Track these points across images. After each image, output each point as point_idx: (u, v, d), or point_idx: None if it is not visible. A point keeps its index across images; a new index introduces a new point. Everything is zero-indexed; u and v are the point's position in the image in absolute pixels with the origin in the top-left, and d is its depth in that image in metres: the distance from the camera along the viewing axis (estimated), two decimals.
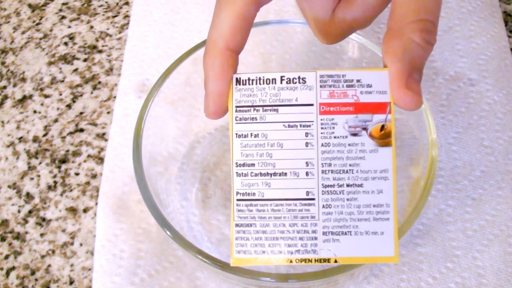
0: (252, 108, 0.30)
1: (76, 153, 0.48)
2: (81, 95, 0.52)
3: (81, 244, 0.44)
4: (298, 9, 0.42)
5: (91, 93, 0.52)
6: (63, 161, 0.48)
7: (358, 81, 0.30)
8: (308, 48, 0.49)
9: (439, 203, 0.43)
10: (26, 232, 0.45)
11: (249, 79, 0.30)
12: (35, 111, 0.51)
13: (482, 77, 0.48)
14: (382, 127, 0.30)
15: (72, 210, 0.45)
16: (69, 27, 0.57)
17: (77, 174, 0.47)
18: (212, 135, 0.46)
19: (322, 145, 0.30)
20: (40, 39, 0.56)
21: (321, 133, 0.30)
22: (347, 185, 0.30)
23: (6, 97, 0.53)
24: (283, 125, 0.30)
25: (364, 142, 0.30)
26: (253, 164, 0.30)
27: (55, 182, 0.47)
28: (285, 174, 0.30)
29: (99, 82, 0.52)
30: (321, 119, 0.30)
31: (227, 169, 0.45)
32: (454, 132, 0.46)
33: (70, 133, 0.49)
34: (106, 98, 0.51)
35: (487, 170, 0.44)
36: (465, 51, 0.50)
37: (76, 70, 0.54)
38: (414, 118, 0.38)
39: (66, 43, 0.56)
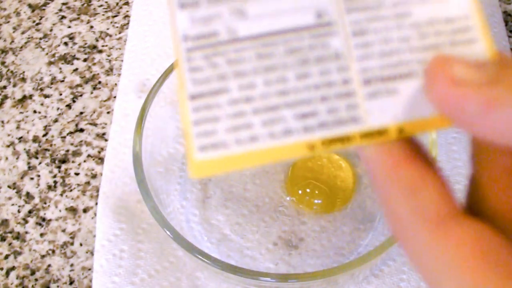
0: None
1: (76, 153, 0.48)
2: (81, 95, 0.52)
3: (81, 244, 0.44)
4: None
5: (91, 93, 0.52)
6: (63, 161, 0.48)
7: None
8: None
9: None
10: (26, 232, 0.45)
11: None
12: (35, 111, 0.51)
13: None
14: None
15: (72, 210, 0.45)
16: (69, 27, 0.57)
17: (77, 174, 0.47)
18: None
19: None
20: (40, 39, 0.56)
21: None
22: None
23: (6, 97, 0.53)
24: None
25: None
26: None
27: (55, 182, 0.47)
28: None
29: (99, 82, 0.52)
30: None
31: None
32: (454, 132, 0.46)
33: (70, 133, 0.49)
34: (106, 98, 0.51)
35: None
36: None
37: (76, 70, 0.54)
38: None
39: (66, 43, 0.56)
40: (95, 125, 0.50)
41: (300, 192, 0.43)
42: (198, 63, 0.18)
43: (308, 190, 0.43)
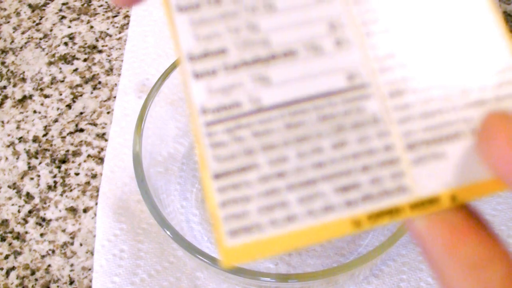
0: None
1: (76, 153, 0.48)
2: (81, 95, 0.52)
3: (81, 244, 0.44)
4: None
5: (91, 93, 0.52)
6: (63, 161, 0.48)
7: None
8: None
9: None
10: (26, 232, 0.45)
11: None
12: (35, 111, 0.51)
13: None
14: None
15: (72, 210, 0.45)
16: (69, 27, 0.57)
17: (77, 174, 0.47)
18: None
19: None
20: (40, 39, 0.56)
21: None
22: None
23: (6, 97, 0.53)
24: None
25: None
26: (224, 50, 0.16)
27: (55, 182, 0.47)
28: (293, 53, 0.16)
29: (99, 82, 0.52)
30: None
31: None
32: None
33: (70, 133, 0.49)
34: (106, 98, 0.51)
35: None
36: None
37: (76, 70, 0.54)
38: None
39: (66, 43, 0.56)
40: (95, 125, 0.50)
41: None
42: (220, 138, 0.16)
43: None
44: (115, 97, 0.51)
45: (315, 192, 0.15)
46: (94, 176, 0.47)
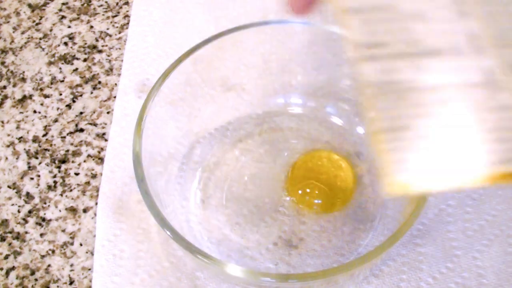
0: None
1: (76, 153, 0.48)
2: (81, 95, 0.52)
3: (81, 244, 0.44)
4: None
5: (91, 93, 0.52)
6: (63, 161, 0.48)
7: None
8: (309, 49, 0.49)
9: (439, 203, 0.43)
10: (26, 232, 0.45)
11: None
12: (35, 111, 0.51)
13: None
14: None
15: (72, 210, 0.45)
16: (69, 27, 0.57)
17: (77, 174, 0.47)
18: (212, 135, 0.46)
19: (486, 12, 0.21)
20: (40, 39, 0.56)
21: None
22: None
23: (6, 97, 0.53)
24: None
25: None
26: (385, 44, 0.21)
27: (55, 182, 0.47)
28: (439, 52, 0.20)
29: (99, 82, 0.52)
30: None
31: (227, 169, 0.45)
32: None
33: (70, 133, 0.49)
34: (106, 98, 0.51)
35: None
36: None
37: (76, 70, 0.54)
38: None
39: (66, 43, 0.56)
40: (95, 125, 0.50)
41: (300, 192, 0.43)
42: (386, 103, 0.20)
43: (308, 190, 0.43)
44: (115, 97, 0.51)
45: (457, 152, 0.20)
46: (94, 176, 0.47)
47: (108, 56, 0.54)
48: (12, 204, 0.46)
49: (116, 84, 0.52)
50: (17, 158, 0.49)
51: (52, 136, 0.49)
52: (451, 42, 0.21)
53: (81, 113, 0.51)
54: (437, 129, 0.20)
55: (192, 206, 0.43)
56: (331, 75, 0.47)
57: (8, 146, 0.49)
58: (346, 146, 0.46)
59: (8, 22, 0.58)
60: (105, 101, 0.51)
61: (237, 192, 0.44)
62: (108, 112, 0.50)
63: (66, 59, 0.55)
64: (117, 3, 0.58)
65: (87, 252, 0.43)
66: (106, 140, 0.49)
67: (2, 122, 0.51)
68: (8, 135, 0.50)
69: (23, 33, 0.57)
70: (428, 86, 0.20)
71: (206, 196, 0.44)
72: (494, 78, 0.20)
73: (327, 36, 0.43)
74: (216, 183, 0.44)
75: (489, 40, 0.21)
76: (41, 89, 0.53)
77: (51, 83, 0.53)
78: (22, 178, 0.47)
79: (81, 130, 0.49)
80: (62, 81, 0.53)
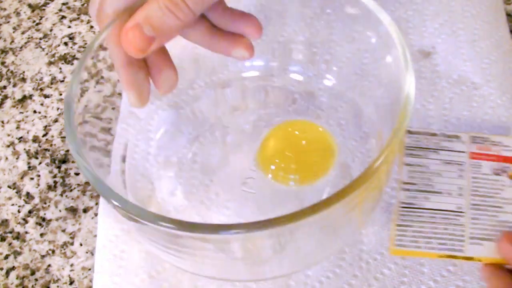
0: (418, 148, 0.43)
1: None
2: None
3: (81, 244, 0.43)
4: None
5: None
6: (63, 161, 0.48)
7: (499, 142, 0.42)
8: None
9: None
10: (26, 232, 0.44)
11: (416, 131, 0.43)
12: (35, 111, 0.51)
13: (486, 80, 0.48)
14: None
15: (72, 210, 0.45)
16: (69, 27, 0.57)
17: (77, 174, 0.47)
18: (213, 136, 0.46)
19: (472, 178, 0.41)
20: (40, 39, 0.56)
21: (471, 170, 0.41)
22: (491, 206, 0.39)
23: (6, 97, 0.52)
24: (441, 161, 0.42)
25: (504, 180, 0.40)
26: (415, 184, 0.41)
27: (55, 182, 0.47)
28: (441, 192, 0.40)
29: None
30: (471, 162, 0.42)
31: (228, 170, 0.45)
32: None
33: None
34: (109, 94, 0.51)
35: None
36: (468, 55, 0.49)
37: None
38: None
39: (66, 43, 0.56)
40: None
41: (273, 167, 0.43)
42: (404, 213, 0.40)
43: (282, 164, 0.43)
44: (119, 93, 0.51)
45: (430, 241, 0.38)
46: None
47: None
48: (12, 204, 0.46)
49: (118, 80, 0.52)
50: (17, 158, 0.48)
51: (52, 136, 0.49)
52: (448, 188, 0.41)
53: None
54: (424, 229, 0.39)
55: (192, 205, 0.43)
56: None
57: (8, 146, 0.49)
58: None
59: (8, 22, 0.58)
60: (109, 97, 0.51)
61: (237, 191, 0.44)
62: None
63: (66, 59, 0.55)
64: None
65: (87, 252, 0.43)
66: None
67: (2, 122, 0.51)
68: (8, 135, 0.50)
69: (23, 33, 0.57)
70: (428, 208, 0.40)
71: (206, 196, 0.44)
72: (462, 210, 0.40)
73: None
74: (217, 183, 0.44)
75: (469, 190, 0.41)
76: (41, 89, 0.52)
77: (51, 83, 0.53)
78: (22, 178, 0.47)
79: None
80: (62, 81, 0.53)
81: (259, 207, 0.42)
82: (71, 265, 0.43)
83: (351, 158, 0.44)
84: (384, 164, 0.30)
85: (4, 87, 0.53)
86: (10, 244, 0.44)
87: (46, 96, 0.52)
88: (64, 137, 0.49)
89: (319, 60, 0.47)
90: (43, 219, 0.45)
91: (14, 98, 0.52)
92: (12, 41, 0.57)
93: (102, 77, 0.40)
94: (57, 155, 0.48)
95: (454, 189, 0.40)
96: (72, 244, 0.44)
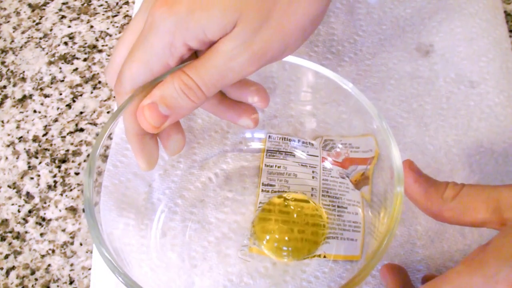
0: (277, 152, 0.45)
1: (76, 153, 0.48)
2: (81, 95, 0.52)
3: (81, 244, 0.44)
4: None
5: (91, 92, 0.52)
6: (63, 160, 0.48)
7: (349, 144, 0.43)
8: (310, 49, 0.49)
9: None
10: (26, 232, 0.45)
11: (277, 137, 0.46)
12: (35, 111, 0.51)
13: (483, 79, 0.48)
14: (363, 174, 0.42)
15: (72, 210, 0.45)
16: (69, 26, 0.57)
17: (77, 173, 0.47)
18: (212, 136, 0.46)
19: (323, 179, 0.44)
20: (40, 38, 0.56)
21: (322, 173, 0.44)
22: (338, 206, 0.43)
23: (6, 96, 0.53)
24: (298, 163, 0.45)
25: (348, 183, 0.43)
26: (273, 185, 0.44)
27: (55, 182, 0.47)
28: (296, 193, 0.43)
29: (99, 82, 0.52)
30: (323, 165, 0.45)
31: (227, 169, 0.45)
32: (453, 134, 0.46)
33: (70, 132, 0.50)
34: (106, 97, 0.51)
35: (487, 172, 0.44)
36: (466, 53, 0.49)
37: (76, 70, 0.54)
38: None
39: (66, 43, 0.56)
40: (95, 124, 0.50)
41: (268, 237, 0.42)
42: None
43: (277, 236, 0.42)
44: (115, 96, 0.51)
45: None
46: None
47: (108, 56, 0.54)
48: (12, 204, 0.46)
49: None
50: (17, 158, 0.49)
51: (52, 136, 0.50)
52: (303, 190, 0.43)
53: (81, 112, 0.51)
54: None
55: (191, 205, 0.43)
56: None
57: (8, 146, 0.49)
58: None
59: (8, 22, 0.58)
60: (105, 100, 0.51)
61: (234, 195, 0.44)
62: (108, 112, 0.50)
63: (66, 59, 0.55)
64: (117, 3, 0.58)
65: (87, 252, 0.43)
66: None
67: (2, 122, 0.51)
68: (8, 134, 0.50)
69: (23, 32, 0.57)
70: None
71: (206, 196, 0.44)
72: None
73: None
74: (216, 183, 0.44)
75: (320, 191, 0.44)
76: (41, 89, 0.53)
77: (51, 83, 0.53)
78: (22, 177, 0.48)
79: (81, 129, 0.50)
80: (62, 80, 0.53)
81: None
82: (71, 264, 0.43)
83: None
84: None
85: (4, 87, 0.53)
86: (10, 243, 0.44)
87: (46, 96, 0.52)
88: (64, 137, 0.49)
89: None
90: (43, 219, 0.45)
91: (14, 98, 0.52)
92: (12, 41, 0.57)
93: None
94: (57, 154, 0.48)
95: (308, 190, 0.43)
96: (72, 243, 0.44)
